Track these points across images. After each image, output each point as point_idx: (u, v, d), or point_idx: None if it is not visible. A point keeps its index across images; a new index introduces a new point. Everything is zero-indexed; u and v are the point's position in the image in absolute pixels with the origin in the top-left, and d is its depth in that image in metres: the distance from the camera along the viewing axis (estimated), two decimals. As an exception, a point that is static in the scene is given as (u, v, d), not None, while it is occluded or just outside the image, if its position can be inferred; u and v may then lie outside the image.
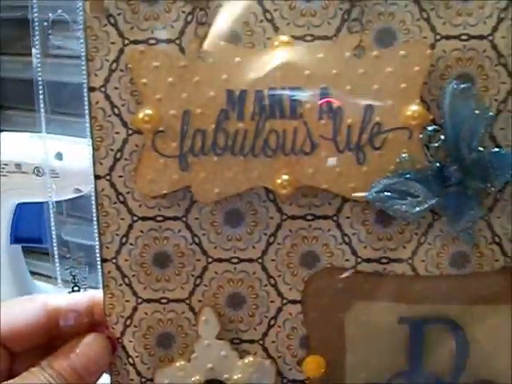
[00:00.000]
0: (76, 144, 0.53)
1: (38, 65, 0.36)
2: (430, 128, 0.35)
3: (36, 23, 0.35)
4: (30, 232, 0.58)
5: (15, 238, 0.59)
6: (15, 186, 0.54)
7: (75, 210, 0.59)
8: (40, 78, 0.35)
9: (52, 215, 0.40)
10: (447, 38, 0.35)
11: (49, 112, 0.51)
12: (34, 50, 0.35)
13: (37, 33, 0.35)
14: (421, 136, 0.35)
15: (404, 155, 0.35)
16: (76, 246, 0.54)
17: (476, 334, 0.36)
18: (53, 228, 0.39)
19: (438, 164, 0.35)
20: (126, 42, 0.35)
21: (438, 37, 0.35)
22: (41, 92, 0.34)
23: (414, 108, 0.35)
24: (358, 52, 0.35)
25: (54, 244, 0.38)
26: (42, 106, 0.36)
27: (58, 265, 0.38)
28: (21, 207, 0.57)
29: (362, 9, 0.35)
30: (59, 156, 0.51)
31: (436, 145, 0.35)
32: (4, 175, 0.53)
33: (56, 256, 0.38)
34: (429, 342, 0.37)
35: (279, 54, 0.35)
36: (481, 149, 0.35)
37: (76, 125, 0.48)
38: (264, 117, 0.35)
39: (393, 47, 0.35)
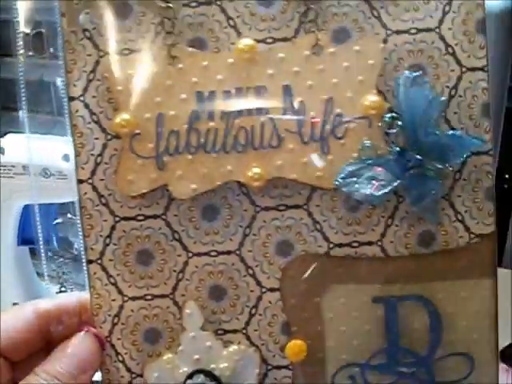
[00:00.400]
0: None
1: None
2: (387, 116, 0.37)
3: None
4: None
5: (22, 240, 0.59)
6: (22, 187, 0.55)
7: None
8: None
9: (37, 215, 0.41)
10: (397, 32, 0.38)
11: (56, 114, 0.52)
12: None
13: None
14: (380, 124, 0.37)
15: (366, 142, 0.37)
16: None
17: (447, 309, 0.38)
18: (39, 227, 0.41)
19: (397, 149, 0.37)
20: (101, 53, 0.38)
21: (389, 32, 0.38)
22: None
23: (372, 98, 0.37)
24: (316, 50, 0.38)
25: (41, 242, 0.40)
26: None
27: (44, 262, 0.39)
28: (28, 209, 0.58)
29: (317, 11, 0.38)
30: (66, 158, 0.52)
31: (394, 131, 0.37)
32: (11, 177, 0.54)
33: (43, 254, 0.40)
34: (404, 320, 0.38)
35: (243, 57, 0.38)
36: (437, 132, 0.37)
37: None
38: (233, 115, 0.38)
39: (348, 43, 0.38)
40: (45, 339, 0.39)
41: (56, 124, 0.51)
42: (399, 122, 0.37)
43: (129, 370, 0.39)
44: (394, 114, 0.37)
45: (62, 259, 0.40)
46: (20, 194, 0.57)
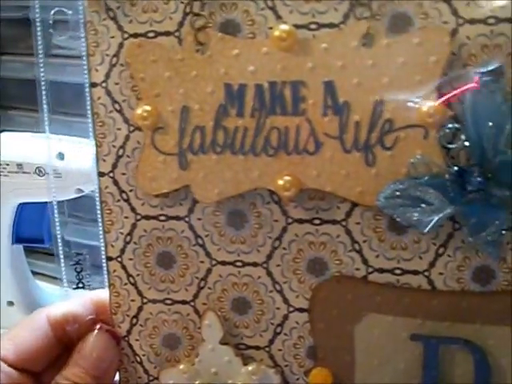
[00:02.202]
0: (78, 144, 0.53)
1: (41, 65, 0.36)
2: (449, 126, 0.31)
3: (38, 23, 0.35)
4: (32, 232, 0.59)
5: (17, 238, 0.59)
6: (17, 186, 0.54)
7: (77, 210, 0.60)
8: (43, 78, 0.35)
9: (56, 216, 0.40)
10: (471, 22, 0.30)
11: (50, 112, 0.51)
12: (36, 50, 0.34)
13: (39, 33, 0.35)
14: (438, 136, 0.31)
15: (418, 157, 0.31)
16: (78, 246, 0.54)
17: (499, 359, 0.32)
18: (57, 229, 0.39)
19: (457, 168, 0.31)
20: (126, 35, 0.34)
21: (461, 21, 0.30)
22: (44, 92, 0.34)
23: (431, 103, 0.31)
24: (366, 41, 0.31)
25: (60, 245, 0.38)
26: (45, 105, 0.35)
27: (63, 265, 0.38)
28: (22, 207, 0.58)
29: (374, -9, 0.31)
30: (61, 156, 0.51)
31: (456, 146, 0.31)
32: (5, 175, 0.54)
33: (61, 257, 0.38)
34: (444, 363, 0.33)
35: (280, 45, 0.32)
36: (508, 152, 0.30)
37: (78, 125, 0.48)
38: (265, 113, 0.33)
39: (406, 34, 0.31)
40: (63, 345, 0.38)
41: (51, 122, 0.48)
42: (462, 136, 0.31)
43: (146, 371, 0.38)
44: (456, 125, 0.31)
45: (79, 263, 0.38)
46: (14, 193, 0.56)
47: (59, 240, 0.38)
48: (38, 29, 0.35)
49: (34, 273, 0.65)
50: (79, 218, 0.61)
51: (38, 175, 0.51)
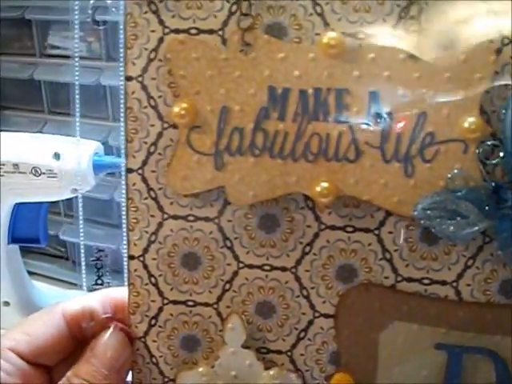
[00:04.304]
0: (73, 144, 0.52)
1: (76, 68, 0.35)
2: (488, 142, 0.32)
3: (76, 25, 0.34)
4: (28, 232, 0.58)
5: (13, 238, 0.58)
6: (13, 186, 0.53)
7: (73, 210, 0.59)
8: (77, 82, 0.34)
9: (82, 223, 0.39)
10: (516, 43, 0.32)
11: (46, 112, 0.50)
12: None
13: (76, 35, 0.34)
14: (477, 151, 0.32)
15: (457, 171, 0.32)
16: (74, 246, 0.54)
17: (521, 370, 0.33)
18: (81, 237, 0.38)
19: (493, 183, 0.32)
20: (167, 30, 0.33)
21: (506, 41, 0.32)
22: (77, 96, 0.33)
23: (472, 119, 0.32)
24: (414, 53, 0.32)
25: (82, 252, 0.37)
26: (78, 109, 0.34)
27: (84, 272, 0.37)
28: (18, 207, 0.57)
29: (421, 6, 0.32)
30: (57, 156, 0.50)
31: (493, 162, 0.32)
32: (1, 175, 0.52)
33: (83, 263, 0.37)
34: (467, 373, 0.34)
35: (328, 52, 0.32)
36: (544, 169, 0.32)
37: (73, 125, 0.47)
38: (307, 118, 0.33)
39: (453, 50, 0.32)
40: (77, 341, 0.37)
41: (47, 122, 0.48)
42: (501, 152, 0.32)
43: (161, 373, 0.37)
44: (495, 142, 0.32)
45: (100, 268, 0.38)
46: (10, 193, 0.55)
47: (82, 247, 0.37)
48: (76, 31, 0.33)
49: (30, 273, 0.63)
50: (75, 218, 0.60)
51: (34, 175, 0.50)
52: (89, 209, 0.59)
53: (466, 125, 0.32)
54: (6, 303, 0.59)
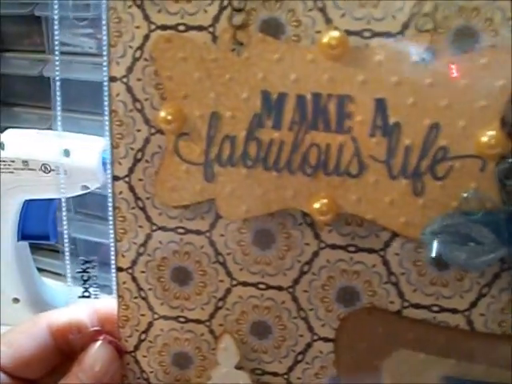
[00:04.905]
0: (83, 141, 0.50)
1: (57, 63, 0.32)
2: (509, 160, 0.28)
3: (56, 21, 0.32)
4: (38, 229, 0.57)
5: (22, 235, 0.57)
6: (22, 182, 0.52)
7: (83, 207, 0.57)
8: (58, 77, 0.32)
9: (64, 213, 0.37)
10: (547, 45, 0.27)
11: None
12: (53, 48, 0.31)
13: (56, 31, 0.32)
14: (496, 169, 0.28)
15: (472, 191, 0.28)
16: (84, 244, 0.53)
17: (537, 410, 0.30)
18: (65, 226, 0.37)
19: (513, 206, 0.28)
20: (153, 26, 0.30)
21: (536, 43, 0.27)
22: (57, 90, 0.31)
23: (492, 133, 0.27)
24: (426, 56, 0.28)
25: (66, 242, 0.36)
26: (58, 103, 0.32)
27: (68, 262, 0.36)
28: (28, 204, 0.55)
29: (437, 1, 0.28)
30: (67, 153, 0.48)
31: (515, 182, 0.28)
32: (11, 172, 0.51)
33: (67, 254, 0.36)
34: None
35: (329, 53, 0.29)
36: None
37: (83, 122, 0.45)
38: (305, 127, 0.29)
39: (472, 53, 0.28)
40: (63, 353, 0.35)
41: (56, 119, 0.46)
42: (524, 171, 0.28)
43: (153, 389, 0.35)
44: (518, 159, 0.28)
45: (86, 261, 0.36)
46: (20, 190, 0.54)
47: (66, 237, 0.36)
48: (56, 27, 0.31)
49: (40, 270, 0.63)
50: (85, 215, 0.59)
51: (44, 172, 0.48)
52: (96, 204, 0.58)
53: (485, 139, 0.28)
54: (16, 300, 0.59)
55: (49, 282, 0.63)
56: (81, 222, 0.59)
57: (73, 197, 0.50)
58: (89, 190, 0.50)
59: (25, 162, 0.49)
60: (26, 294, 0.58)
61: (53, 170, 0.47)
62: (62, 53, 0.44)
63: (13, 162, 0.50)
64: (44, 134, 0.51)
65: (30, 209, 0.55)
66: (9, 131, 0.55)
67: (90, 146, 0.50)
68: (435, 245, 0.28)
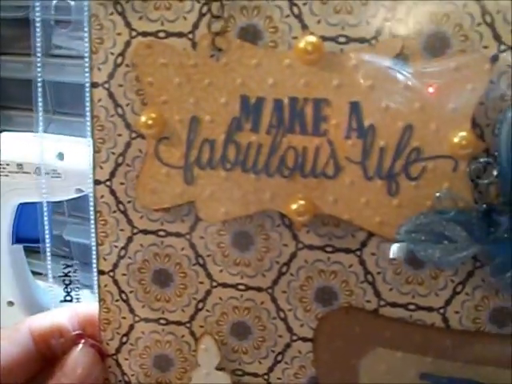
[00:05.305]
0: (77, 144, 0.50)
1: (38, 64, 0.33)
2: (481, 160, 0.29)
3: (38, 23, 0.32)
4: (32, 232, 0.57)
5: (17, 238, 0.57)
6: (17, 186, 0.52)
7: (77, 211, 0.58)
8: (40, 78, 0.32)
9: (45, 213, 0.38)
10: (514, 49, 0.28)
11: (50, 112, 0.48)
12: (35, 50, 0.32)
13: (38, 33, 0.32)
14: (468, 169, 0.29)
15: (445, 190, 0.29)
16: (77, 246, 0.53)
17: (512, 405, 0.31)
18: (46, 226, 0.37)
19: (485, 205, 0.29)
20: (134, 33, 0.31)
21: (504, 47, 0.28)
22: (41, 92, 0.32)
23: (464, 134, 0.28)
24: (399, 60, 0.29)
25: (47, 241, 0.36)
26: (40, 106, 0.33)
27: (49, 262, 0.36)
28: (22, 207, 0.56)
29: (410, 6, 0.29)
30: (61, 156, 0.48)
31: (486, 181, 0.29)
32: (5, 175, 0.51)
33: (48, 253, 0.36)
34: (454, 406, 0.32)
35: (305, 58, 0.29)
36: (542, 191, 0.28)
37: (77, 125, 0.46)
38: (282, 130, 0.30)
39: (443, 57, 0.29)
40: (46, 358, 0.35)
41: (51, 122, 0.46)
42: (495, 171, 0.29)
43: (135, 392, 0.36)
44: (489, 159, 0.29)
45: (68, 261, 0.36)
46: (14, 193, 0.53)
47: (47, 236, 0.36)
48: (38, 29, 0.32)
49: (34, 273, 0.62)
50: (79, 218, 0.59)
51: (38, 175, 0.48)
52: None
53: (457, 140, 0.28)
54: (11, 303, 0.58)
55: (43, 285, 0.63)
56: (75, 225, 0.59)
57: (67, 200, 0.50)
58: (83, 193, 0.50)
59: (19, 165, 0.49)
60: (20, 298, 0.57)
61: (47, 174, 0.47)
62: (56, 56, 0.45)
63: (7, 165, 0.50)
64: (39, 137, 0.51)
65: (24, 212, 0.55)
66: (3, 134, 0.55)
67: (84, 148, 0.50)
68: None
